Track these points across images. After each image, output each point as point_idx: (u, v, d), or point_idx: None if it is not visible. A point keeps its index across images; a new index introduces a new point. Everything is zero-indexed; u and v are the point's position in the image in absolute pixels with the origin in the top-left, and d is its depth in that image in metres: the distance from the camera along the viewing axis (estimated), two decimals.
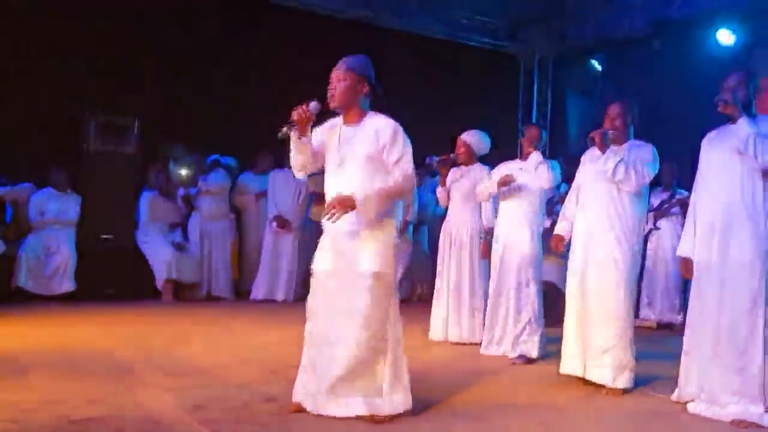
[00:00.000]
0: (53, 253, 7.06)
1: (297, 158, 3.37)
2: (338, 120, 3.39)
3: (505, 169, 5.11)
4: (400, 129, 3.28)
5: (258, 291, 7.73)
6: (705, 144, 3.74)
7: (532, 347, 4.83)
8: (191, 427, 3.05)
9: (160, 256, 7.38)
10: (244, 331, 5.78)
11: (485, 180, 5.35)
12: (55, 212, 7.17)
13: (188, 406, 3.33)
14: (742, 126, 3.43)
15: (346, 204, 3.15)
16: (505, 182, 4.96)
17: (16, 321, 5.81)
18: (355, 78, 3.27)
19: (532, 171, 4.95)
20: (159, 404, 3.40)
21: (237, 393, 3.63)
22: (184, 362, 4.40)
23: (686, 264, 3.75)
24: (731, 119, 3.50)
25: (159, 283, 7.37)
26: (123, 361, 4.38)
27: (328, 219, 3.16)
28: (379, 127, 3.26)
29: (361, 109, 3.33)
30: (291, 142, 3.29)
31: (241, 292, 7.98)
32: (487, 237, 5.45)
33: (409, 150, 3.27)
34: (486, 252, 5.44)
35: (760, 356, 3.38)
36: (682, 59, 8.78)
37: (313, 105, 3.23)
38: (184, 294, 7.55)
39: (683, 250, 3.78)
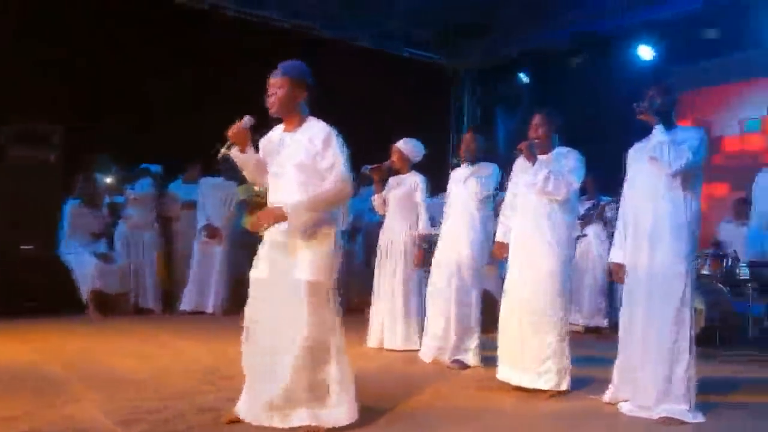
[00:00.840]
0: None
1: (245, 173, 3.41)
2: (279, 128, 3.38)
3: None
4: (334, 134, 3.23)
5: (187, 302, 7.52)
6: (631, 154, 3.90)
7: (469, 354, 4.88)
8: None
9: (85, 267, 7.08)
10: (173, 343, 5.61)
11: (419, 189, 5.45)
12: None
13: (120, 420, 3.21)
14: (656, 134, 3.61)
15: (276, 215, 3.13)
16: None
17: None
18: (292, 84, 3.24)
19: (463, 180, 5.02)
20: (89, 419, 3.26)
21: (170, 405, 3.51)
22: (112, 375, 4.23)
23: (618, 269, 3.88)
24: (650, 128, 3.66)
25: (84, 295, 7.07)
26: (48, 376, 4.18)
27: (259, 230, 3.16)
28: (313, 133, 3.23)
29: (300, 116, 3.30)
30: (235, 160, 3.30)
31: (169, 303, 7.75)
32: (422, 245, 5.50)
33: (344, 155, 3.22)
34: (420, 260, 5.48)
35: (685, 359, 3.54)
36: (605, 73, 9.18)
37: (247, 120, 3.24)
38: (111, 306, 7.26)
39: (615, 257, 3.90)
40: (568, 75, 9.78)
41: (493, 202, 5.15)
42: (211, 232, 7.52)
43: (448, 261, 5.00)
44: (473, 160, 5.06)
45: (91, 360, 4.74)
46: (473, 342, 4.89)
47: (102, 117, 7.60)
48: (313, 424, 3.10)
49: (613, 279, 4.07)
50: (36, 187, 6.97)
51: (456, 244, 4.99)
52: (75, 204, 7.34)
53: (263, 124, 3.36)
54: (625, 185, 3.90)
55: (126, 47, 7.86)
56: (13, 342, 5.32)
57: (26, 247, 6.88)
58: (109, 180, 7.83)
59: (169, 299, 7.77)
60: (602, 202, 7.21)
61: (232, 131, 3.22)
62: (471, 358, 4.88)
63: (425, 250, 5.53)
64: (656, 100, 3.69)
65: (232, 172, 6.66)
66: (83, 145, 7.30)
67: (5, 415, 3.25)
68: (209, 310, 7.47)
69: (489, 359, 4.73)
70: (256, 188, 3.77)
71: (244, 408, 3.21)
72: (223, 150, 3.23)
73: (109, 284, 7.19)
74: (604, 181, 7.00)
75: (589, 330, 7.03)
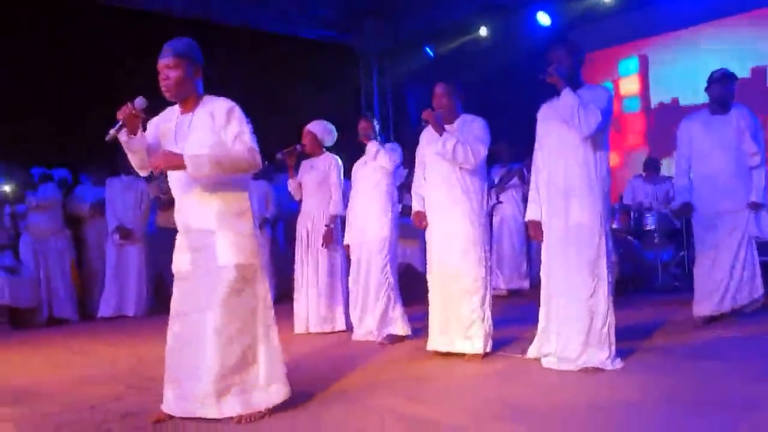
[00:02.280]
0: None
1: (133, 159, 3.18)
2: (174, 109, 3.22)
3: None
4: (236, 107, 3.11)
5: (106, 308, 7.24)
6: (539, 116, 3.95)
7: (396, 326, 4.92)
8: None
9: None
10: (92, 349, 5.39)
11: (333, 170, 5.46)
12: None
13: None
14: (566, 97, 3.66)
15: (170, 160, 2.98)
16: None
17: None
18: (186, 63, 3.08)
19: (373, 159, 5.03)
20: None
21: (91, 414, 3.35)
22: (27, 389, 4.00)
23: (535, 226, 3.97)
24: (558, 90, 3.73)
25: None
26: None
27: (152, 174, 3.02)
28: (214, 109, 3.10)
29: (196, 95, 3.16)
30: (122, 143, 3.09)
31: (86, 311, 7.44)
32: (330, 224, 5.47)
33: (248, 127, 3.09)
34: (328, 239, 5.45)
35: (603, 310, 3.66)
36: (507, 41, 9.37)
37: (139, 101, 3.05)
38: (22, 320, 6.90)
39: (531, 214, 3.99)
40: (474, 46, 9.94)
41: (399, 178, 5.19)
42: (124, 233, 7.26)
43: (360, 241, 5.05)
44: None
45: (4, 376, 4.48)
46: (397, 311, 4.93)
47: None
48: (246, 410, 3.03)
49: (531, 236, 4.16)
50: None
51: (365, 222, 5.03)
52: None
53: (157, 108, 3.20)
54: (536, 145, 3.97)
55: (30, 46, 7.42)
56: None
57: None
58: (7, 188, 7.39)
59: (85, 306, 7.46)
60: (515, 168, 7.37)
61: (122, 112, 3.01)
62: (399, 328, 4.92)
63: (336, 229, 5.52)
64: (564, 62, 3.73)
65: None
66: None
67: None
68: (131, 313, 7.23)
69: (418, 331, 4.79)
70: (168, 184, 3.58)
71: (172, 404, 3.11)
72: (112, 132, 3.01)
73: (19, 297, 6.83)
74: (516, 148, 7.17)
75: (512, 292, 7.22)
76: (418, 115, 4.27)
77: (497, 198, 7.38)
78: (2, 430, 3.19)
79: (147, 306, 7.21)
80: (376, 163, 5.02)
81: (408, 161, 5.82)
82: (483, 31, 9.82)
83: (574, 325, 3.68)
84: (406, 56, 10.89)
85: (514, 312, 5.65)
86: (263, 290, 3.16)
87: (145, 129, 3.15)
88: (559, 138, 3.79)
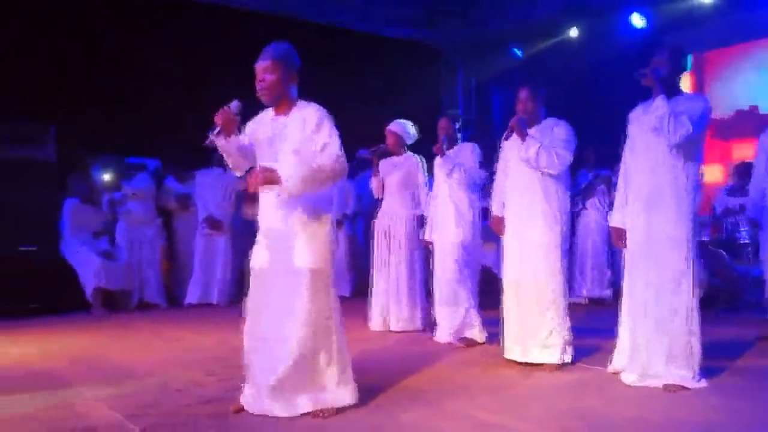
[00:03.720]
0: None
1: (229, 160, 3.32)
2: (268, 112, 3.32)
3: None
4: (327, 116, 3.18)
5: (192, 295, 7.55)
6: (631, 119, 3.83)
7: (472, 331, 4.90)
8: None
9: (88, 266, 7.10)
10: (179, 336, 5.64)
11: (418, 170, 5.52)
12: None
13: (127, 414, 3.23)
14: (658, 105, 3.54)
15: (267, 177, 3.06)
16: None
17: None
18: (283, 68, 3.18)
19: (448, 178, 5.01)
20: (96, 414, 3.28)
21: (175, 397, 3.53)
22: (119, 371, 4.25)
23: (618, 233, 3.87)
24: (651, 92, 3.60)
25: (88, 294, 7.09)
26: (54, 373, 4.20)
27: (249, 187, 3.11)
28: (305, 116, 3.18)
29: (290, 99, 3.25)
30: (218, 146, 3.22)
31: (174, 297, 7.78)
32: (413, 224, 5.50)
33: (336, 136, 3.16)
34: (410, 238, 5.48)
35: (687, 326, 3.53)
36: (598, 43, 9.12)
37: (235, 105, 3.17)
38: (116, 303, 7.29)
39: (615, 221, 3.89)
40: (563, 47, 9.74)
41: (479, 181, 5.14)
42: (213, 223, 7.53)
43: (441, 243, 5.04)
44: (451, 144, 5.08)
45: (98, 356, 4.77)
46: (473, 316, 4.91)
47: (94, 113, 7.58)
48: (318, 408, 3.12)
49: (614, 243, 4.05)
50: (34, 187, 6.98)
51: (444, 226, 5.02)
52: (74, 203, 7.35)
53: (254, 110, 3.31)
54: (626, 148, 3.85)
55: (116, 42, 7.82)
56: (19, 343, 5.35)
57: (27, 248, 6.90)
58: (106, 177, 7.82)
59: (173, 293, 7.80)
60: (602, 175, 7.18)
61: (219, 116, 3.14)
62: (476, 333, 4.90)
63: (421, 229, 5.54)
64: (663, 67, 3.61)
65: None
66: (77, 142, 7.30)
67: (16, 414, 3.29)
68: (214, 301, 7.50)
69: (493, 336, 4.76)
70: None
71: (249, 398, 3.22)
72: (211, 136, 3.15)
73: (113, 281, 7.21)
74: (604, 153, 6.98)
75: (593, 301, 7.06)
76: (502, 116, 4.24)
77: (582, 204, 7.22)
78: (94, 407, 3.40)
79: (231, 295, 7.44)
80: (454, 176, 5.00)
81: (488, 162, 5.77)
82: (573, 32, 9.60)
83: (657, 340, 3.57)
84: (491, 56, 10.77)
85: (596, 321, 5.52)
86: (333, 294, 3.24)
87: (240, 132, 3.27)
88: (648, 145, 3.67)
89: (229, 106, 3.16)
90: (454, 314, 4.92)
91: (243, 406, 3.22)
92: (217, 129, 3.14)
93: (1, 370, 4.38)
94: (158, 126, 7.85)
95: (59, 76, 7.56)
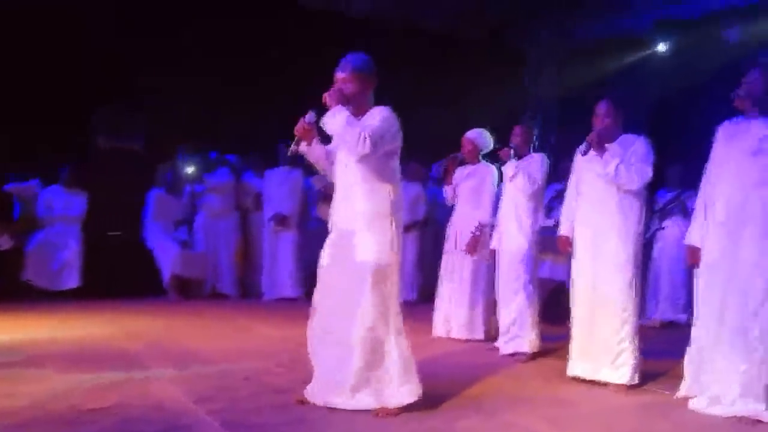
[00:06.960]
0: (60, 249, 7.13)
1: (316, 166, 3.54)
2: None
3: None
4: (388, 111, 3.27)
5: (264, 288, 7.75)
6: (720, 136, 3.67)
7: (530, 343, 4.84)
8: (198, 417, 3.09)
9: (167, 253, 7.42)
10: (250, 326, 5.82)
11: (488, 179, 5.48)
12: (62, 208, 7.23)
13: (195, 397, 3.37)
14: (758, 126, 3.40)
15: (336, 96, 3.17)
16: None
17: (24, 315, 5.87)
18: (361, 78, 3.30)
19: (509, 181, 4.98)
20: (166, 395, 3.44)
21: (244, 385, 3.66)
22: (190, 355, 4.44)
23: (693, 252, 3.72)
24: (744, 113, 3.48)
25: (165, 280, 7.41)
26: (131, 354, 4.43)
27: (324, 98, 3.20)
28: (373, 112, 3.29)
29: (367, 106, 3.35)
30: (303, 155, 3.47)
31: (245, 289, 8.00)
32: (477, 232, 5.47)
33: (382, 125, 3.19)
34: (473, 246, 5.45)
35: (763, 354, 3.38)
36: (689, 58, 8.81)
37: (309, 116, 3.30)
38: (190, 290, 7.58)
39: (691, 239, 3.74)
40: (650, 61, 9.48)
41: (542, 192, 5.08)
42: (280, 220, 7.66)
43: (502, 251, 5.01)
44: (521, 154, 5.03)
45: (172, 340, 4.98)
46: (529, 327, 4.83)
47: (183, 106, 7.85)
48: (379, 405, 3.17)
49: (689, 262, 3.89)
50: (123, 176, 7.36)
51: (507, 236, 4.98)
52: (158, 192, 7.69)
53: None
54: (711, 165, 3.68)
55: (215, 40, 8.06)
56: (100, 322, 5.65)
57: (113, 233, 7.28)
58: (190, 169, 8.13)
59: (245, 285, 8.03)
60: (685, 195, 6.92)
61: (298, 128, 3.32)
62: (533, 344, 4.83)
63: (481, 237, 5.50)
64: (756, 87, 3.47)
65: (294, 161, 6.91)
66: (166, 134, 7.60)
67: (94, 387, 3.49)
68: (284, 295, 7.66)
69: (558, 350, 4.69)
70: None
71: (312, 391, 3.31)
72: (292, 146, 3.38)
73: (189, 269, 7.51)
74: (690, 173, 6.71)
75: (666, 324, 6.82)
76: (581, 130, 4.17)
77: (660, 223, 7.00)
78: (165, 389, 3.56)
79: (301, 290, 7.58)
80: (517, 181, 4.96)
81: (561, 173, 5.69)
82: (661, 47, 9.33)
83: (730, 369, 3.42)
84: (575, 66, 10.57)
85: (667, 344, 5.34)
86: (396, 294, 3.28)
87: (320, 139, 3.43)
88: (737, 165, 3.51)
89: (304, 118, 3.32)
90: (511, 323, 4.87)
91: (307, 398, 3.31)
92: (297, 139, 3.35)
93: (77, 346, 4.67)
94: (245, 122, 8.05)
95: (156, 66, 7.80)
